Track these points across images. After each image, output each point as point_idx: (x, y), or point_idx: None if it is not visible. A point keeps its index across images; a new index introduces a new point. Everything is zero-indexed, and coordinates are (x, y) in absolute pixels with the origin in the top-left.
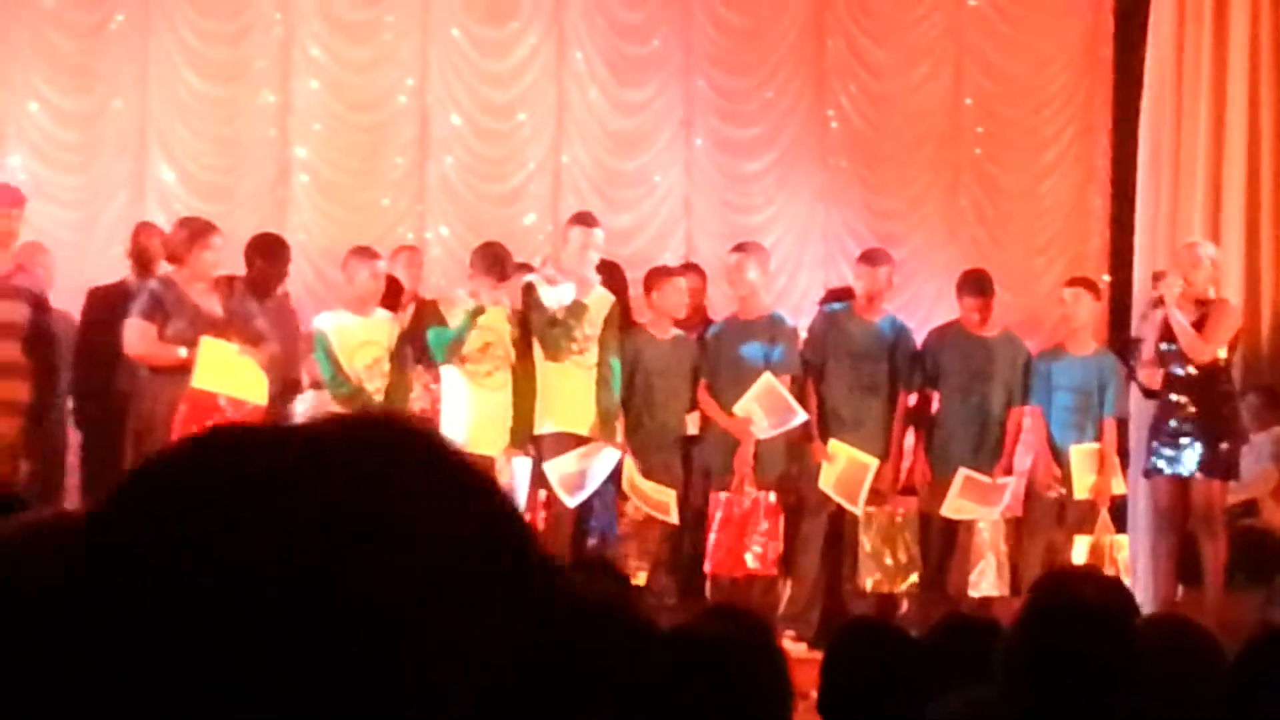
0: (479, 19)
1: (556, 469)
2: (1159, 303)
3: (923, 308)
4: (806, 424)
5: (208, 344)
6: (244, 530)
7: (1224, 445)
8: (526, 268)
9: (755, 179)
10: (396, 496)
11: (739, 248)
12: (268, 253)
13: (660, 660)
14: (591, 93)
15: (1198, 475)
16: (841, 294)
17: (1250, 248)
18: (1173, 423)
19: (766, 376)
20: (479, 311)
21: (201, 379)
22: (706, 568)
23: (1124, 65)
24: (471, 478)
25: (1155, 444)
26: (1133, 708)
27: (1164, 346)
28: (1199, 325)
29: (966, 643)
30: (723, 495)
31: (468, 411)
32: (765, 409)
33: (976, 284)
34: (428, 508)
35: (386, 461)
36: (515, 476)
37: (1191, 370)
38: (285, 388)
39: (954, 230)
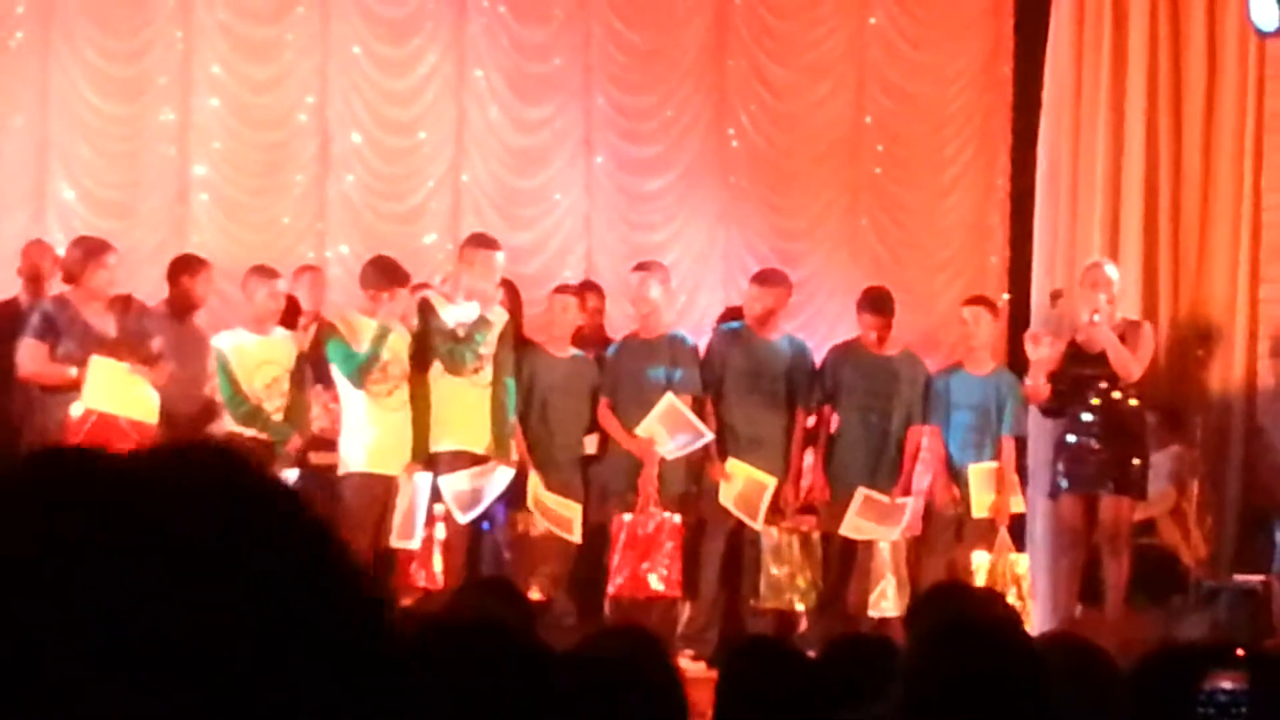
0: (380, 37)
1: (451, 486)
2: (1078, 325)
3: (824, 325)
4: (706, 443)
5: (97, 363)
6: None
7: (1134, 463)
8: (424, 287)
9: (655, 197)
10: (220, 530)
11: (640, 267)
12: (192, 272)
13: (556, 681)
14: (492, 111)
15: (1107, 494)
16: (739, 313)
17: (1148, 267)
18: (1081, 441)
19: (668, 397)
20: (384, 333)
21: (91, 398)
22: (610, 590)
23: (1023, 85)
24: (302, 517)
25: (1062, 463)
26: None
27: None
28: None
29: (862, 662)
30: (626, 517)
31: (368, 431)
32: (669, 429)
33: (876, 302)
34: (248, 543)
35: (215, 494)
36: (417, 493)
37: (1102, 388)
38: (204, 408)
39: (854, 249)
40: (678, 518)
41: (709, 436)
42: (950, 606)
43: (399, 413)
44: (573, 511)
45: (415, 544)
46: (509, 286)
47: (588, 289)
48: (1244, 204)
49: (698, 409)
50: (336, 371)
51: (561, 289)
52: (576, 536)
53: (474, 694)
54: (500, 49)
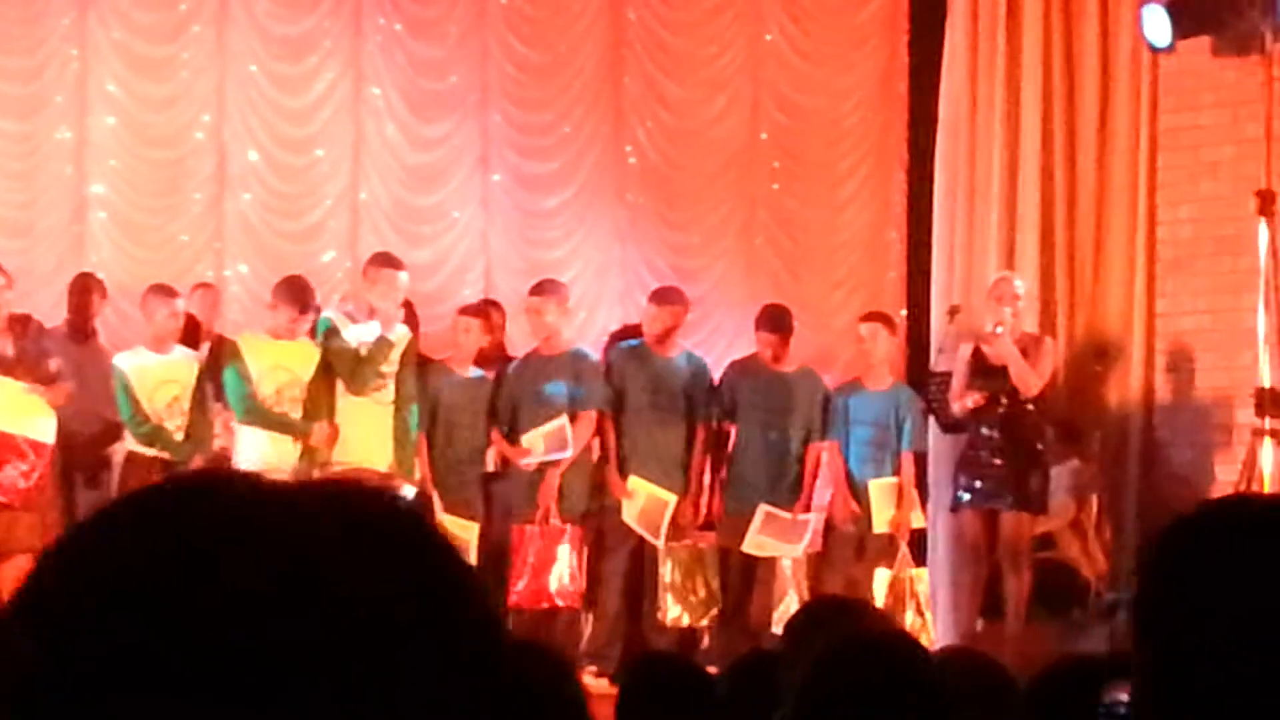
0: (276, 55)
1: None
2: (981, 336)
3: (722, 341)
4: (606, 460)
5: None
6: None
7: (1034, 478)
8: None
9: (553, 214)
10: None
11: (537, 289)
12: (90, 292)
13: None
14: (389, 128)
15: (1007, 508)
16: (636, 330)
17: (1045, 282)
18: (982, 455)
19: (561, 419)
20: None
21: None
22: (511, 600)
23: (919, 101)
24: (448, 563)
25: (963, 477)
26: None
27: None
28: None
29: (762, 677)
30: (527, 529)
31: (259, 451)
32: (545, 445)
33: (773, 320)
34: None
35: (367, 531)
36: None
37: (1002, 403)
38: (104, 429)
39: (751, 265)
40: (577, 529)
41: (569, 453)
42: (836, 622)
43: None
44: (470, 532)
45: None
46: (407, 305)
47: (488, 307)
48: (1139, 219)
49: (599, 426)
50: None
51: (464, 310)
52: (472, 558)
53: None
54: (397, 66)
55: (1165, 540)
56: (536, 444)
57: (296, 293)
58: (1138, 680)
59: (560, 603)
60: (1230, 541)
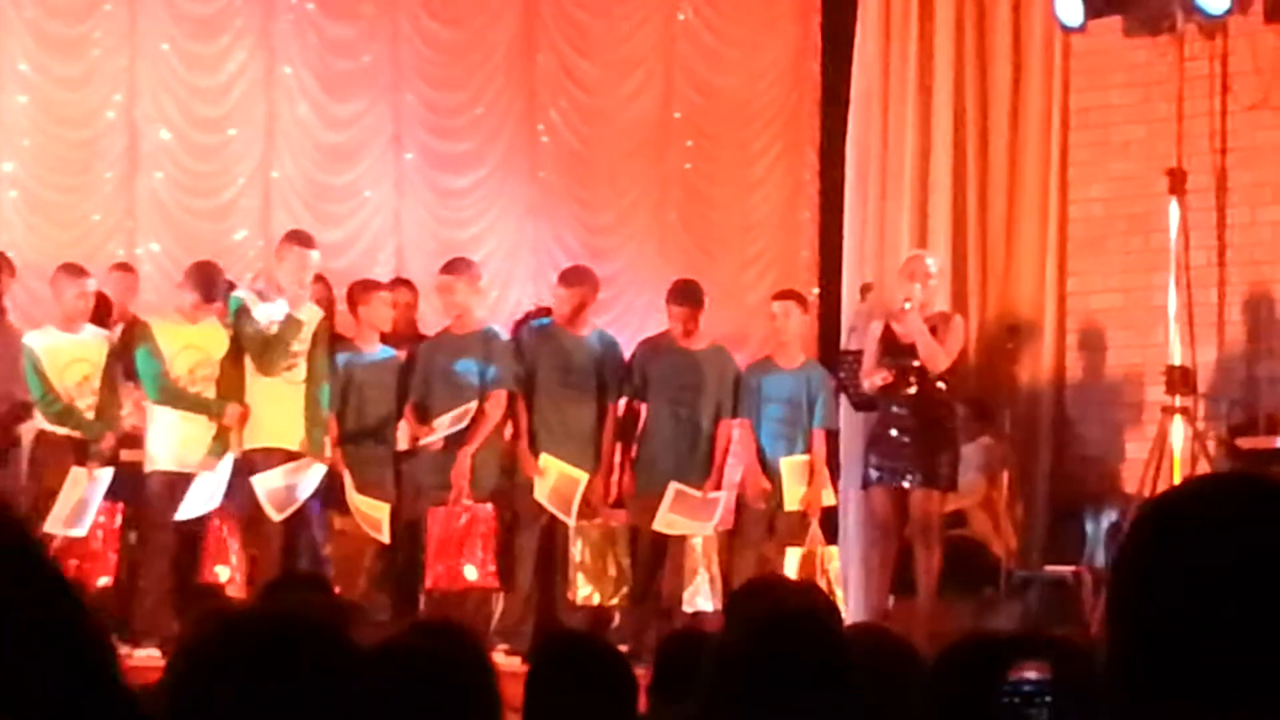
0: (188, 34)
1: (264, 485)
2: (891, 314)
3: (634, 320)
4: (517, 438)
5: None
6: None
7: (943, 456)
8: (230, 285)
9: (465, 194)
10: None
11: (447, 268)
12: (0, 271)
13: (366, 677)
14: (301, 107)
15: (917, 486)
16: (546, 313)
17: (957, 261)
18: (892, 433)
19: (474, 405)
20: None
21: None
22: (427, 583)
23: (831, 80)
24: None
25: (873, 455)
26: (837, 717)
27: (898, 360)
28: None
29: (676, 656)
30: (439, 510)
31: (172, 431)
32: (454, 423)
33: (685, 293)
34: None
35: None
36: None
37: (913, 381)
38: (12, 409)
39: (664, 243)
40: (490, 508)
41: (463, 425)
42: (764, 599)
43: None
44: (381, 512)
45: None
46: (322, 283)
47: (400, 285)
48: (1051, 198)
49: (510, 405)
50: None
51: (374, 285)
52: (385, 537)
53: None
54: (309, 46)
55: (1135, 525)
56: (442, 423)
57: (202, 281)
58: (1109, 663)
59: (475, 579)
60: (1199, 524)
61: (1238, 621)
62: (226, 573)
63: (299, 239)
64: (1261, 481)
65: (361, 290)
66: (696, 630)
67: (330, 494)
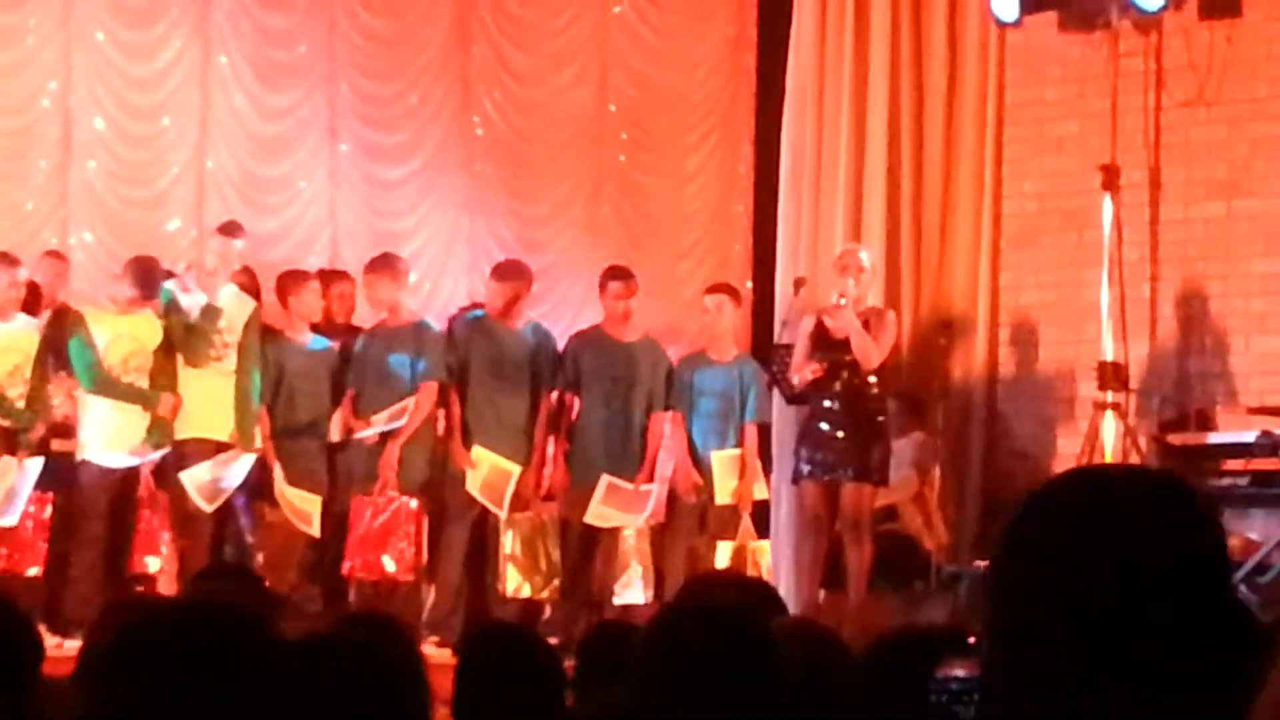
0: (124, 23)
1: (193, 476)
2: (824, 308)
3: (568, 312)
4: (449, 431)
5: None
6: None
7: (875, 451)
8: (169, 275)
9: (400, 185)
10: None
11: (369, 266)
12: None
13: (295, 668)
14: (236, 98)
15: (848, 480)
16: (481, 305)
17: (890, 255)
18: (824, 427)
19: (411, 401)
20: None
21: None
22: (343, 571)
23: (767, 74)
24: None
25: (805, 449)
26: (763, 708)
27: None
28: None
29: (606, 648)
30: (365, 500)
31: (105, 421)
32: (391, 420)
33: (618, 271)
34: None
35: None
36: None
37: (844, 376)
38: None
39: (598, 236)
40: (414, 502)
41: (403, 422)
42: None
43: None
44: (312, 505)
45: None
46: (248, 273)
47: (338, 277)
48: (985, 193)
49: (441, 397)
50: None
51: (304, 275)
52: (315, 530)
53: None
54: (245, 35)
55: (1015, 514)
56: (378, 419)
57: (141, 275)
58: (986, 645)
59: (394, 571)
60: (1074, 513)
61: (1108, 611)
62: (157, 563)
63: (222, 228)
64: (1139, 472)
65: (291, 280)
66: (619, 622)
67: (260, 486)
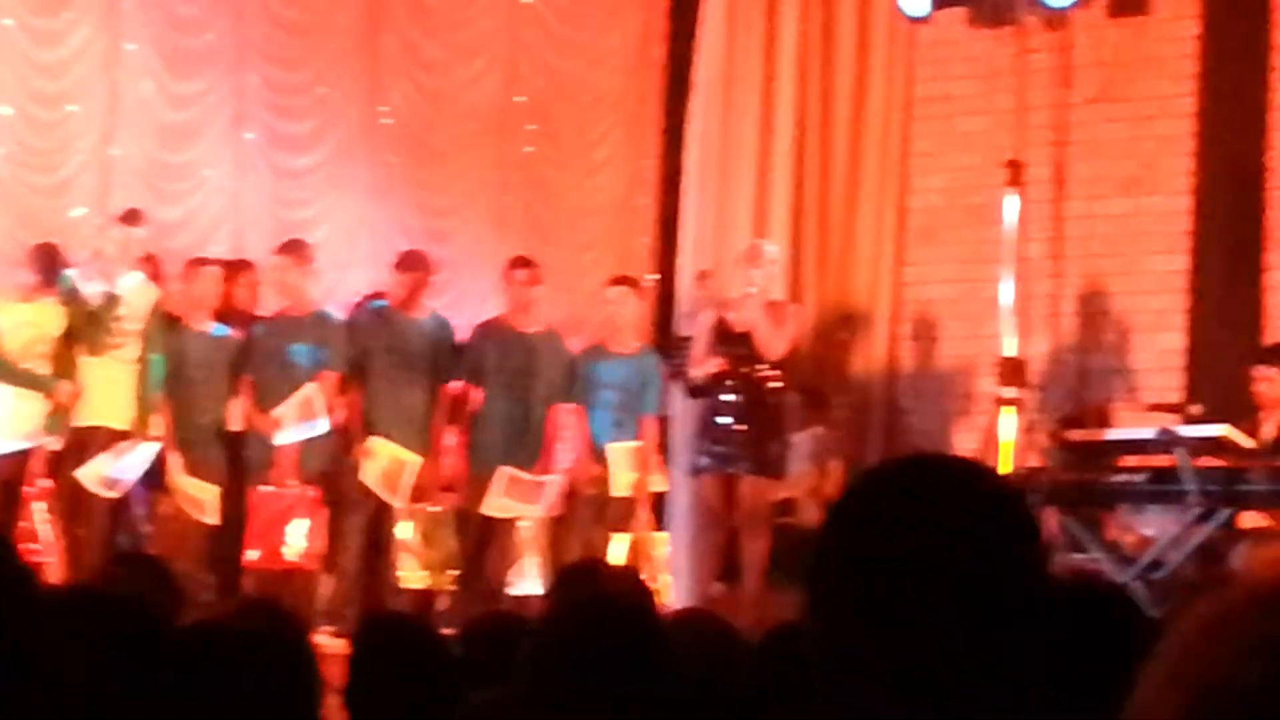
0: (32, 9)
1: (93, 469)
2: (726, 302)
3: (471, 303)
4: (349, 421)
5: None
6: None
7: (773, 444)
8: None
9: (305, 174)
10: None
11: (279, 249)
12: None
13: (186, 655)
14: (144, 85)
15: (746, 473)
16: (384, 295)
17: (795, 249)
18: (723, 421)
19: (312, 387)
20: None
21: None
22: (244, 561)
23: (676, 67)
24: None
25: (704, 442)
26: (655, 698)
27: (731, 348)
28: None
29: (498, 640)
30: (262, 489)
31: (4, 406)
32: (297, 414)
33: (522, 261)
34: None
35: None
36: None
37: (744, 370)
38: None
39: (503, 227)
40: (313, 492)
41: (323, 429)
42: (583, 584)
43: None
44: (208, 494)
45: None
46: (151, 261)
47: (240, 266)
48: (890, 189)
49: (340, 387)
50: None
51: (203, 262)
52: (211, 518)
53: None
54: (153, 22)
55: (840, 500)
56: (286, 415)
57: (43, 263)
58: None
59: (294, 560)
60: (892, 500)
61: (910, 605)
62: (44, 551)
63: (123, 217)
64: (945, 464)
65: (193, 268)
66: (506, 612)
67: (158, 474)
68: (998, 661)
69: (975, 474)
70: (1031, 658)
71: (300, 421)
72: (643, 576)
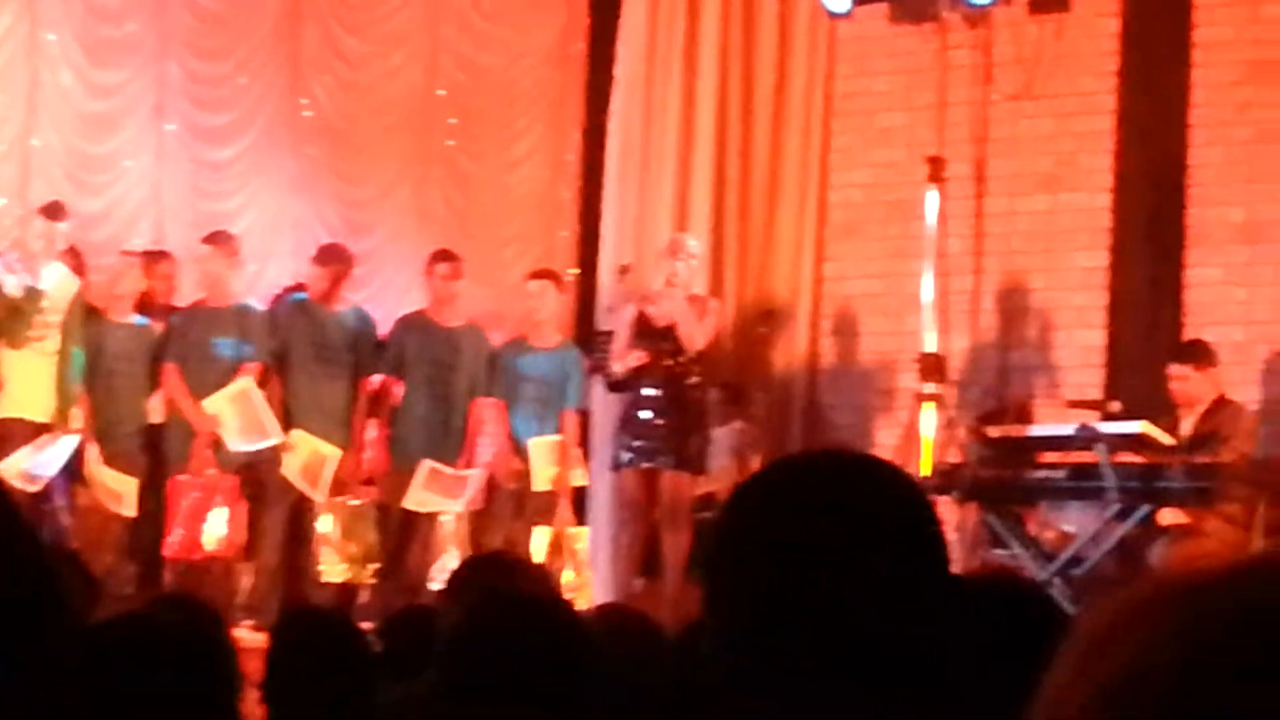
0: None
1: (11, 463)
2: (646, 295)
3: (392, 296)
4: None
5: None
6: None
7: (695, 439)
8: None
9: (227, 166)
10: None
11: (206, 239)
12: None
13: (103, 649)
14: (64, 75)
15: (667, 468)
16: (304, 287)
17: (716, 244)
18: (644, 415)
19: (246, 381)
20: None
21: None
22: (165, 552)
23: (597, 61)
24: None
25: (625, 436)
26: (572, 693)
27: (652, 343)
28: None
29: (418, 634)
30: (182, 479)
31: None
32: (238, 415)
33: (443, 254)
34: None
35: None
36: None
37: (666, 364)
38: None
39: (424, 220)
40: (233, 484)
41: (275, 439)
42: (488, 578)
43: None
44: (127, 486)
45: None
46: (74, 253)
47: (159, 257)
48: (811, 182)
49: (262, 380)
50: None
51: (124, 253)
52: (130, 510)
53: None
54: (74, 12)
55: (735, 496)
56: (224, 411)
57: None
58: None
59: (214, 549)
60: (787, 495)
61: (802, 597)
62: None
63: (45, 210)
64: (842, 460)
65: (115, 260)
66: (423, 606)
67: (77, 466)
68: (890, 656)
69: (873, 469)
70: (929, 653)
71: (244, 427)
72: (566, 571)
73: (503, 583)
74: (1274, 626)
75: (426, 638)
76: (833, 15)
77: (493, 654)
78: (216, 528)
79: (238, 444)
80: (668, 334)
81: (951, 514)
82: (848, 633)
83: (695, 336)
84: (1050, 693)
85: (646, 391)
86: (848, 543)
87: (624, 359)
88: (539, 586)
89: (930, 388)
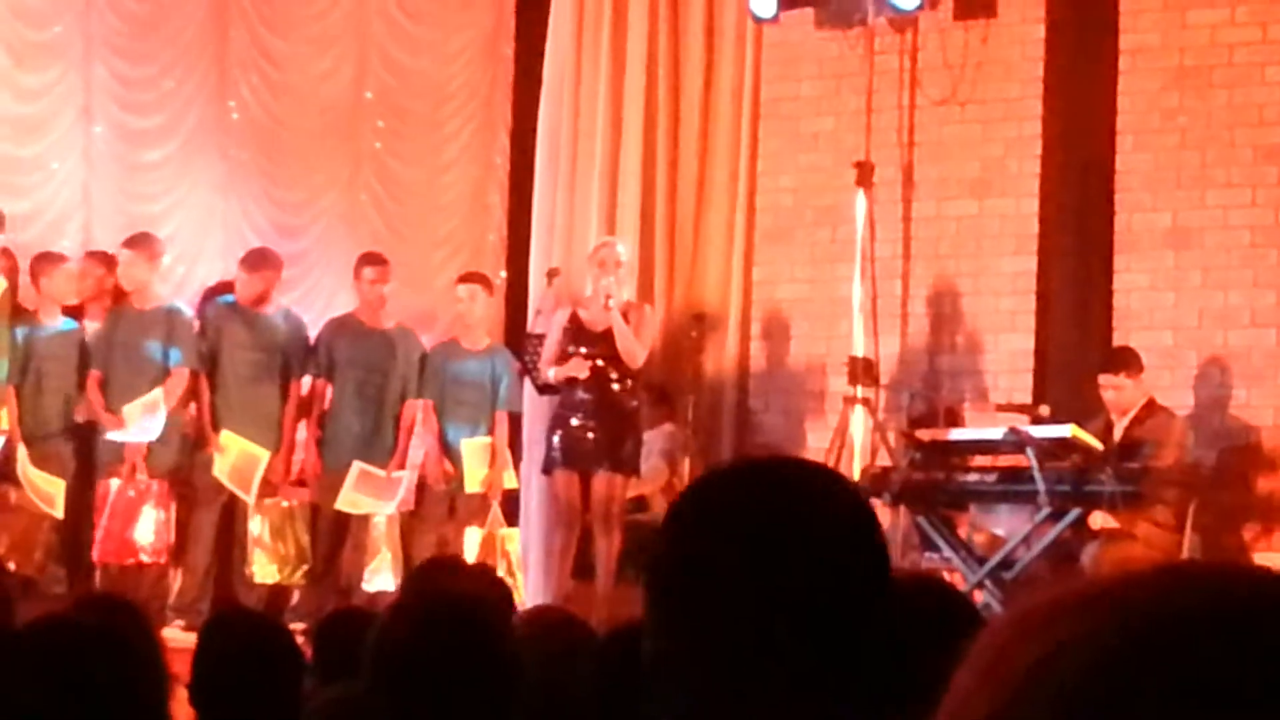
0: None
1: None
2: (582, 300)
3: (321, 298)
4: (199, 415)
5: None
6: None
7: (626, 441)
8: None
9: (155, 168)
10: None
11: (127, 243)
12: None
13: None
14: None
15: (600, 470)
16: (228, 287)
17: (645, 248)
18: (575, 419)
19: (158, 392)
20: None
21: None
22: (94, 555)
23: (524, 64)
24: None
25: (556, 438)
26: (500, 696)
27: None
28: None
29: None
30: (113, 483)
31: None
32: (145, 412)
33: (372, 257)
34: None
35: None
36: None
37: (599, 366)
38: None
39: (353, 223)
40: (163, 486)
41: (155, 434)
42: (437, 581)
43: None
44: (56, 487)
45: None
46: (7, 255)
47: (92, 258)
48: (740, 188)
49: (192, 382)
50: None
51: (58, 256)
52: (59, 512)
53: None
54: None
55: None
56: (132, 413)
57: None
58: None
59: (145, 558)
60: (730, 502)
61: (742, 606)
62: None
63: None
64: (785, 467)
65: (43, 263)
66: (355, 609)
67: (4, 467)
68: (829, 663)
69: (815, 476)
70: (867, 659)
71: (145, 421)
72: (497, 574)
73: (441, 586)
74: (1171, 635)
75: (358, 640)
76: (759, 20)
77: (417, 656)
78: (146, 532)
79: (134, 436)
80: (602, 338)
81: (883, 517)
82: (796, 640)
83: (634, 352)
84: (954, 698)
85: (577, 394)
86: (784, 551)
87: (557, 363)
88: (485, 590)
89: (860, 391)
